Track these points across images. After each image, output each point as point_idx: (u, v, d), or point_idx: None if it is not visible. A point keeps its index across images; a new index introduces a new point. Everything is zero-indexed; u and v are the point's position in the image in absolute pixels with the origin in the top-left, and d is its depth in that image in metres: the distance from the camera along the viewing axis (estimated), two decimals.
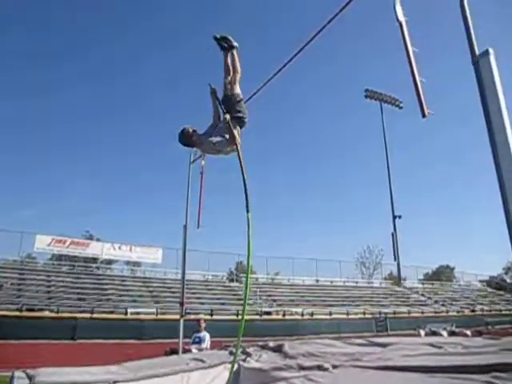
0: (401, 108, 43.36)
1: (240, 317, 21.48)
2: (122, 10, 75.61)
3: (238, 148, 4.83)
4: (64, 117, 71.04)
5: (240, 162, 4.80)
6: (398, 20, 4.78)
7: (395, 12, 4.81)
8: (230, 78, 5.16)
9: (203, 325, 10.91)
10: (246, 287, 4.95)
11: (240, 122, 5.06)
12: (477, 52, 3.71)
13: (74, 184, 71.55)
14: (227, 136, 4.86)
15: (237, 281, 30.13)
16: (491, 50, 3.56)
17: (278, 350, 5.60)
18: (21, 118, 68.57)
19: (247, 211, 4.60)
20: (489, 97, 3.45)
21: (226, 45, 5.28)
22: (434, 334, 20.13)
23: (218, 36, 5.28)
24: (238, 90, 5.16)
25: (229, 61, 5.23)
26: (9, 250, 25.48)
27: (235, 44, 5.29)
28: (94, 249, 27.79)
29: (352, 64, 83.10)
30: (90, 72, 73.99)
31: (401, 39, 4.72)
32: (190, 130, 5.05)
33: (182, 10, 79.20)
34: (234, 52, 5.28)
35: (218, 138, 4.90)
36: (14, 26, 63.69)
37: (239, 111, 5.04)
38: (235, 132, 4.84)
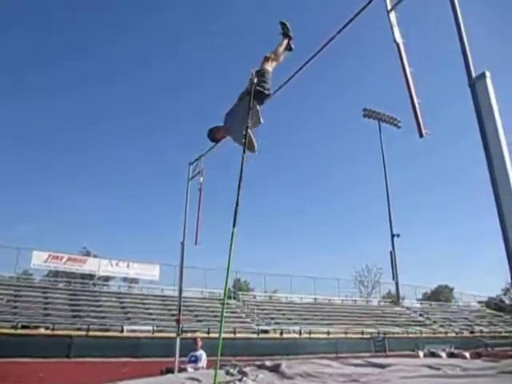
0: (399, 127, 43.61)
1: (238, 335, 21.32)
2: (123, 10, 76.08)
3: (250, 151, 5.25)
4: (63, 126, 71.58)
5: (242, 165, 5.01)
6: (395, 41, 4.84)
7: (393, 34, 4.88)
8: (268, 54, 5.65)
9: (200, 343, 10.79)
10: (224, 300, 4.94)
11: (260, 96, 5.42)
12: (473, 74, 3.75)
13: (72, 200, 71.34)
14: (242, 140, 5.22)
15: (234, 298, 29.90)
16: (488, 73, 3.60)
17: (274, 369, 5.54)
18: (19, 127, 68.83)
19: (234, 225, 4.72)
20: (486, 119, 3.47)
21: (284, 32, 5.76)
22: (433, 355, 19.91)
23: (285, 21, 5.77)
24: (268, 66, 5.62)
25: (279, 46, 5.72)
26: (5, 266, 25.33)
27: (291, 34, 5.76)
28: (91, 265, 27.65)
29: (348, 82, 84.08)
30: (89, 77, 74.73)
31: (398, 60, 4.79)
32: (218, 129, 5.76)
33: (181, 10, 79.69)
34: (285, 41, 5.73)
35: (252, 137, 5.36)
36: (13, 26, 64.28)
37: (263, 85, 5.43)
38: (253, 138, 5.31)
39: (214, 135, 5.86)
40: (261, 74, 5.45)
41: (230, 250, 4.65)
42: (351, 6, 5.54)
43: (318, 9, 77.46)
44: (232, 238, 4.68)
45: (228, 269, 4.73)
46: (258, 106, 5.38)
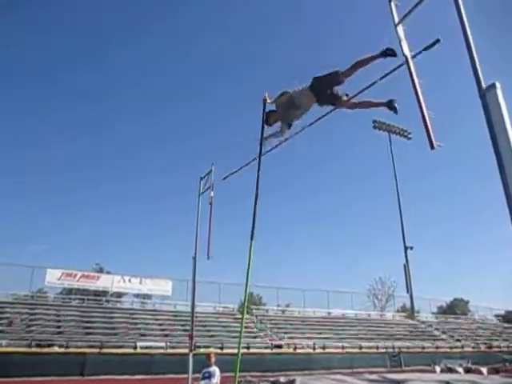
0: (409, 139, 43.42)
1: (251, 350, 21.15)
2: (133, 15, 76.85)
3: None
4: (73, 143, 72.35)
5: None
6: (403, 55, 4.87)
7: (401, 47, 4.91)
8: (357, 63, 5.65)
9: (213, 359, 10.70)
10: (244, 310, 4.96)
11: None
12: (483, 85, 3.76)
13: (85, 217, 72.02)
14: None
15: (248, 313, 29.72)
16: (498, 84, 3.61)
17: None
18: (29, 145, 69.73)
19: (251, 238, 4.87)
20: (497, 129, 3.48)
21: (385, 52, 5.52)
22: (450, 370, 19.58)
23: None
24: (343, 76, 5.78)
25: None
26: (20, 284, 25.45)
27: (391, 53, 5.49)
28: (104, 282, 27.73)
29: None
30: (99, 88, 75.70)
31: (407, 73, 4.81)
32: (272, 113, 6.35)
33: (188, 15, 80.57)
34: (374, 58, 5.56)
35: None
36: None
37: (327, 85, 5.91)
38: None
39: (269, 119, 6.33)
40: (334, 75, 5.74)
41: (249, 263, 4.71)
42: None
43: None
44: (250, 251, 4.78)
45: (247, 281, 4.77)
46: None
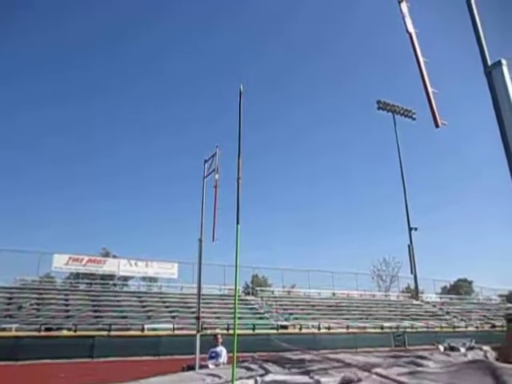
0: (414, 119, 43.11)
1: (257, 331, 21.38)
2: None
3: None
4: (79, 133, 72.44)
5: None
6: (407, 32, 4.84)
7: (405, 24, 4.88)
8: None
9: (220, 340, 10.88)
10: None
11: None
12: (489, 62, 3.73)
13: (90, 202, 72.27)
14: None
15: (252, 294, 30.02)
16: (504, 61, 3.58)
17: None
18: (38, 134, 69.83)
19: (237, 223, 5.07)
20: (503, 107, 3.45)
21: None
22: (452, 349, 19.71)
23: None
24: None
25: None
26: (28, 270, 25.62)
27: None
28: (111, 266, 27.94)
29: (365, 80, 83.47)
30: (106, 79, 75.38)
31: (411, 50, 4.79)
32: None
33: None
34: None
35: None
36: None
37: None
38: None
39: None
40: None
41: (237, 247, 4.84)
42: None
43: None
44: (237, 235, 4.98)
45: (236, 264, 4.90)
46: None
